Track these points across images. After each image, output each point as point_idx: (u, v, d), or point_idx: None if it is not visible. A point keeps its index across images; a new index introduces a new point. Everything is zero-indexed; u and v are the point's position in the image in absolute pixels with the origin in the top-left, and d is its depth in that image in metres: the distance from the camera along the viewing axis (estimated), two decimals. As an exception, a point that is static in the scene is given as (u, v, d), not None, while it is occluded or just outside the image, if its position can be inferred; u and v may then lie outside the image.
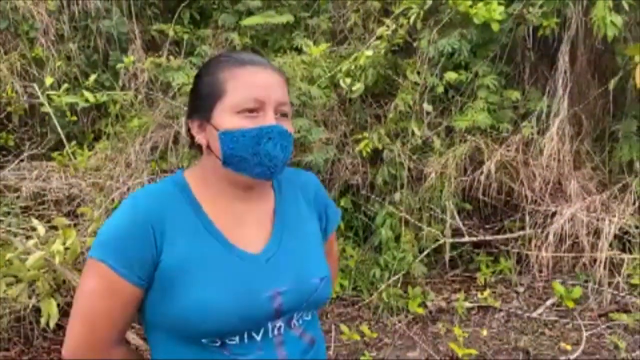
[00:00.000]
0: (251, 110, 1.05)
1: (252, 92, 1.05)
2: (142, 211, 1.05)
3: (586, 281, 3.48)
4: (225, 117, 1.06)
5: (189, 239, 1.05)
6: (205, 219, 1.08)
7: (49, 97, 3.55)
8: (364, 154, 3.52)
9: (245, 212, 1.12)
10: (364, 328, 3.21)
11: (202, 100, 1.10)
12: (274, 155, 1.06)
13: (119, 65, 3.79)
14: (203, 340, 1.03)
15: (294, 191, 1.22)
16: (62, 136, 3.59)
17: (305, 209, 1.22)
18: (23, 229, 2.84)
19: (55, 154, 3.56)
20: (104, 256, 1.02)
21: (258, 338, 1.06)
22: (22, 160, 3.50)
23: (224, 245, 1.07)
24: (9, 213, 3.02)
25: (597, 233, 3.35)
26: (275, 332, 1.07)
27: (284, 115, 1.10)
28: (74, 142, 3.68)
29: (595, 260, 3.32)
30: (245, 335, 1.05)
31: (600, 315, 3.31)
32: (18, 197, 3.17)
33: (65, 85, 3.61)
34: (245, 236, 1.10)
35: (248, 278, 1.05)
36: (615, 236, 3.33)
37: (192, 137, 1.15)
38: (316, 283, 1.12)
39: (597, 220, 3.36)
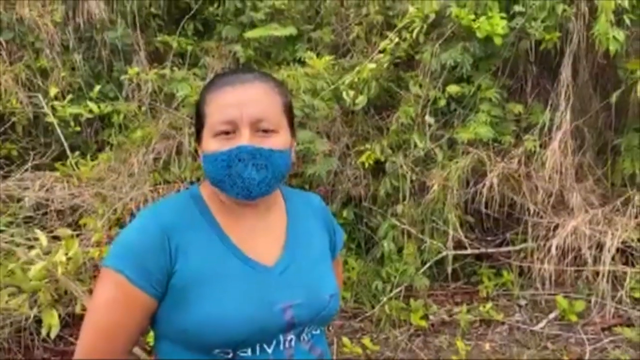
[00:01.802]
0: (227, 132, 1.05)
1: (223, 114, 1.05)
2: (158, 223, 1.06)
3: (589, 295, 3.46)
4: (208, 141, 1.08)
5: (203, 250, 1.06)
6: (220, 231, 1.10)
7: (53, 108, 3.57)
8: (367, 165, 3.53)
9: (256, 225, 1.14)
10: (366, 341, 3.19)
11: (196, 124, 1.14)
12: (245, 176, 1.04)
13: (123, 76, 3.81)
14: (214, 351, 1.03)
15: (304, 207, 1.24)
16: (66, 146, 3.60)
17: (315, 225, 1.24)
18: (26, 239, 2.84)
19: (58, 164, 3.58)
20: (120, 266, 1.02)
21: (269, 350, 1.06)
22: (25, 170, 3.50)
23: (238, 256, 1.08)
24: (12, 223, 3.02)
25: (599, 246, 3.34)
26: (287, 344, 1.08)
27: (268, 131, 1.06)
28: (77, 153, 3.68)
29: (597, 274, 3.31)
30: (258, 347, 1.05)
31: (603, 329, 3.29)
32: (21, 207, 3.17)
33: (70, 96, 3.63)
34: (257, 248, 1.11)
35: (262, 290, 1.06)
36: (617, 249, 3.33)
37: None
38: (326, 299, 1.13)
39: (600, 233, 3.35)
